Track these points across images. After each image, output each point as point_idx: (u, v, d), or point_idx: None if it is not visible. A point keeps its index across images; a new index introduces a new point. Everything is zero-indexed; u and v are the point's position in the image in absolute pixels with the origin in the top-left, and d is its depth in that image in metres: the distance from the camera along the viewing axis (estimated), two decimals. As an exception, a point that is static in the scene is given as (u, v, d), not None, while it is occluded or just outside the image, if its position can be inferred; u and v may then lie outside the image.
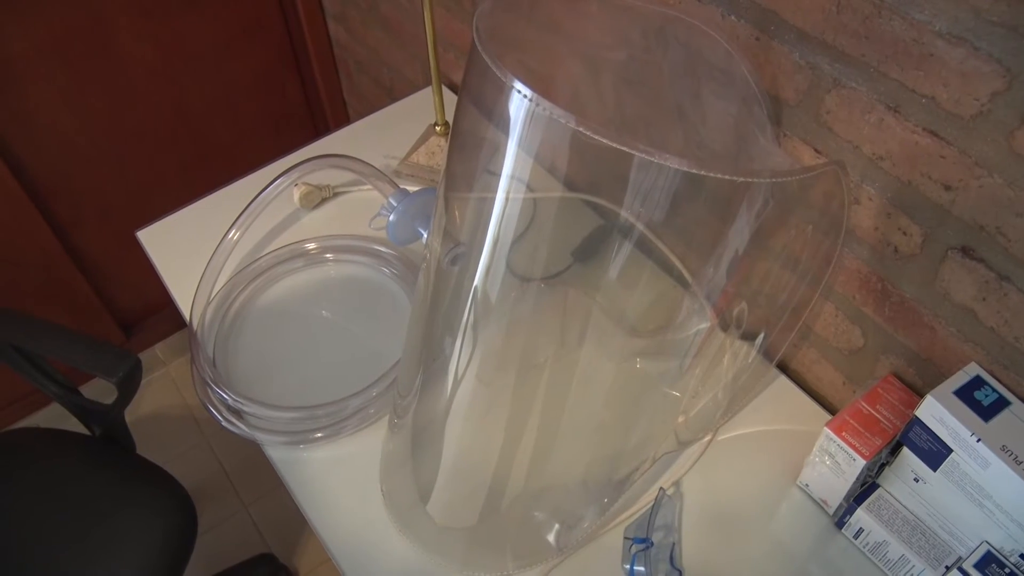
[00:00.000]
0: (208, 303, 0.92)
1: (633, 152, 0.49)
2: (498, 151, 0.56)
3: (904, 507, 0.73)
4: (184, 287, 0.97)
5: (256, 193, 0.89)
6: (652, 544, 0.72)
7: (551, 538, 0.75)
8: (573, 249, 0.89)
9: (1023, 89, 0.54)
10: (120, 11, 1.31)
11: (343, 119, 1.66)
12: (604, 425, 0.77)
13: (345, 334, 0.92)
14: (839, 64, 0.65)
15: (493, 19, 0.58)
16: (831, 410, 0.85)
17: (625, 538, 0.75)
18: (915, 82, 0.60)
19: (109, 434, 1.18)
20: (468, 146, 0.62)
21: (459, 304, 0.70)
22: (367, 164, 0.87)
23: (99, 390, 1.69)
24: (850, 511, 0.75)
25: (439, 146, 1.06)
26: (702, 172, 0.50)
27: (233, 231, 0.89)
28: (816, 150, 0.71)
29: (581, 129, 0.48)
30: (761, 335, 0.81)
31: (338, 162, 0.86)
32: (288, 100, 1.59)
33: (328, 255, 0.97)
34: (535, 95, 0.50)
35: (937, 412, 0.65)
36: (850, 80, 0.65)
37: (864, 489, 0.75)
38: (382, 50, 1.37)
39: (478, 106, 0.58)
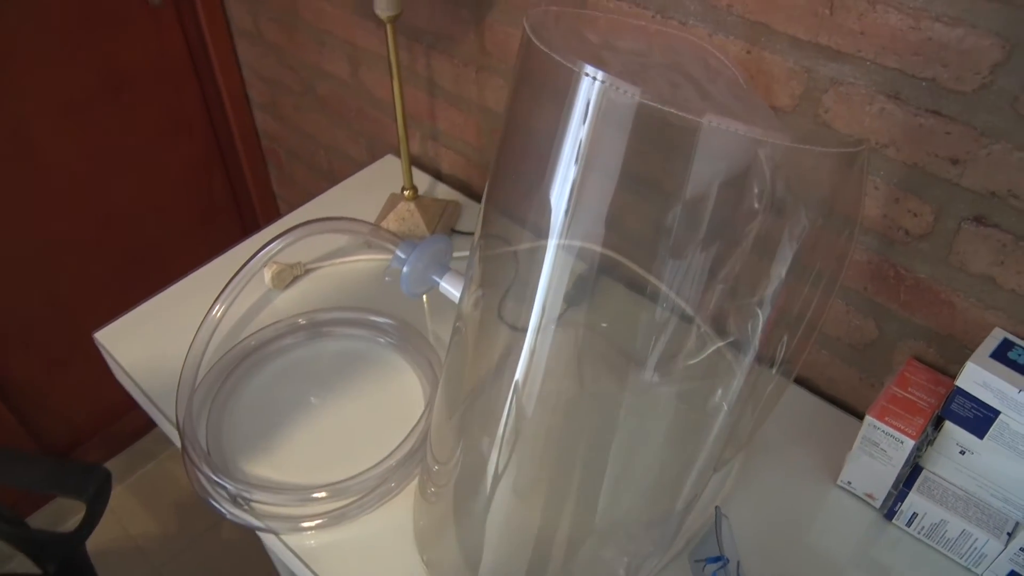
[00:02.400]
0: (193, 391, 0.86)
1: (699, 120, 0.50)
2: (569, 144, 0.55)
3: (952, 484, 0.75)
4: (159, 382, 0.90)
5: (227, 280, 0.84)
6: (728, 560, 0.70)
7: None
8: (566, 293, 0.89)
9: (1023, 56, 0.59)
10: (39, 112, 1.25)
11: (273, 213, 1.62)
12: (662, 461, 0.75)
13: (348, 408, 0.87)
14: (835, 63, 0.69)
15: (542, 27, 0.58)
16: (850, 411, 0.87)
17: (695, 561, 0.73)
18: (914, 67, 0.65)
19: (66, 570, 1.06)
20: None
21: (506, 363, 0.68)
22: (365, 222, 0.85)
23: (45, 519, 1.54)
24: (901, 497, 0.75)
25: (408, 211, 1.05)
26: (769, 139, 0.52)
27: (217, 307, 0.84)
28: (814, 151, 0.75)
29: (669, 108, 0.49)
30: (781, 351, 0.82)
31: (335, 225, 0.83)
32: (215, 197, 1.54)
33: (323, 328, 0.93)
34: (607, 75, 0.50)
35: (979, 377, 0.68)
36: (847, 76, 0.69)
37: (910, 474, 0.76)
38: (320, 133, 1.36)
39: (535, 114, 0.58)
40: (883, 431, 0.73)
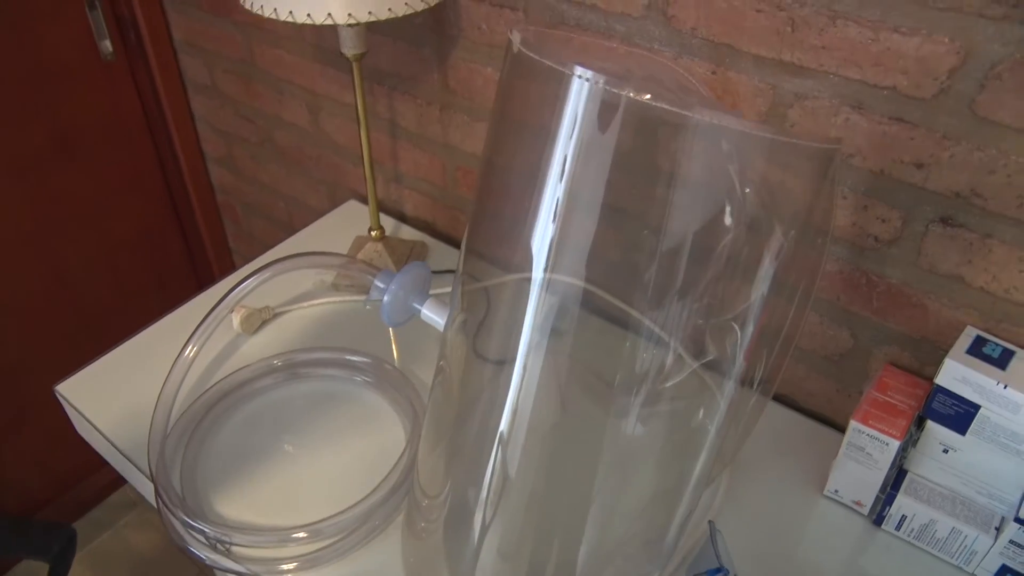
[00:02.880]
0: (165, 436, 0.82)
1: (686, 114, 0.52)
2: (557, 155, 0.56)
3: (938, 485, 0.76)
4: (126, 432, 0.87)
5: (190, 330, 0.82)
6: (728, 571, 0.69)
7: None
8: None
9: (976, 60, 0.63)
10: (-13, 172, 1.22)
11: (229, 269, 1.60)
12: (654, 483, 0.75)
13: (327, 448, 0.85)
14: (799, 78, 0.72)
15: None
16: (829, 423, 0.88)
17: (694, 575, 0.72)
18: (876, 77, 0.68)
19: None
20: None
21: (492, 395, 0.68)
22: (339, 254, 0.84)
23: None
24: (888, 501, 0.76)
25: (376, 251, 1.05)
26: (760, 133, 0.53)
27: (190, 347, 0.82)
28: (781, 166, 0.77)
29: (664, 104, 0.50)
30: (760, 368, 0.83)
31: (310, 260, 0.82)
32: (170, 254, 1.51)
33: (299, 369, 0.91)
34: (597, 75, 0.51)
35: (958, 373, 0.70)
36: (811, 91, 0.72)
37: (895, 478, 0.77)
38: (278, 183, 1.35)
39: (524, 129, 0.59)
40: (868, 434, 0.74)
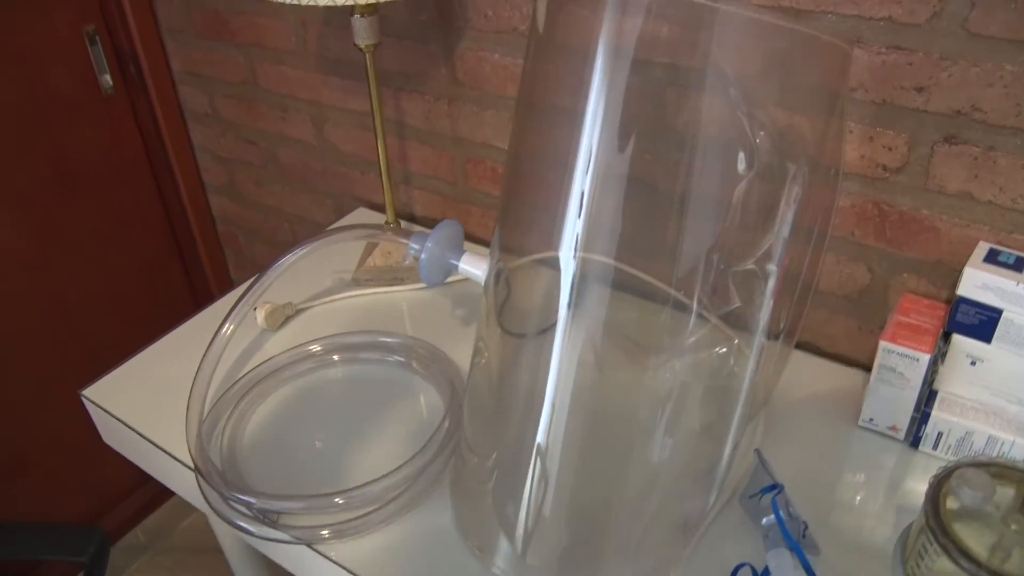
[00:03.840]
0: (202, 421, 0.82)
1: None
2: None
3: (968, 399, 0.78)
4: (160, 426, 0.86)
5: (211, 334, 0.83)
6: (783, 486, 0.71)
7: (680, 540, 0.71)
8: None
9: (966, -20, 0.68)
10: (-8, 205, 1.23)
11: (230, 300, 1.60)
12: (701, 423, 0.77)
13: (366, 424, 0.86)
14: (798, 21, 0.77)
15: None
16: (854, 364, 0.90)
17: (748, 498, 0.73)
18: (871, 10, 0.73)
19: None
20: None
21: (536, 360, 0.71)
22: (372, 225, 0.86)
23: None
24: (924, 420, 0.78)
25: (396, 245, 1.07)
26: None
27: (227, 325, 0.82)
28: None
29: None
30: (785, 315, 0.86)
31: (352, 234, 0.83)
32: (172, 285, 1.52)
33: (335, 354, 0.93)
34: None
35: (978, 280, 0.73)
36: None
37: (927, 399, 0.79)
38: (283, 204, 1.37)
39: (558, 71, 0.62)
40: (898, 353, 0.77)
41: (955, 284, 0.80)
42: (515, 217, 0.76)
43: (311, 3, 0.79)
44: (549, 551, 0.72)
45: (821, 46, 0.64)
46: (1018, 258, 0.74)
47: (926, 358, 0.76)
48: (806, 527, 0.68)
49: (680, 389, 0.77)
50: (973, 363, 0.77)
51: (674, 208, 0.69)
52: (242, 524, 0.75)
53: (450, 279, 0.95)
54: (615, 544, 0.72)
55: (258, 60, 1.22)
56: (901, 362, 0.77)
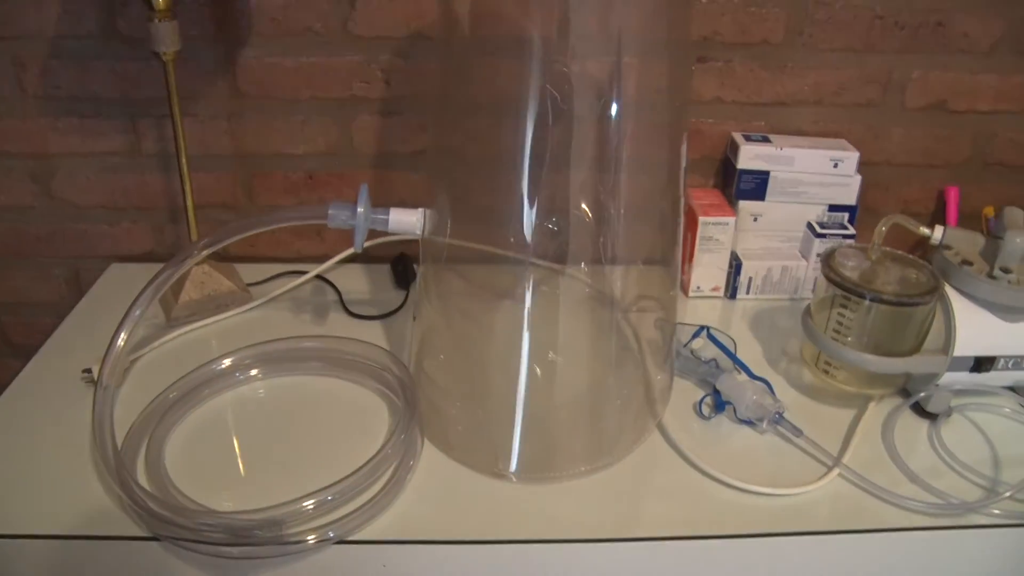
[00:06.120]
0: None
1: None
2: None
3: (757, 248, 1.04)
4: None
5: None
6: (707, 326, 0.87)
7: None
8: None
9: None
10: None
11: None
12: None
13: (303, 433, 0.81)
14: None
15: None
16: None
17: (682, 349, 0.88)
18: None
19: None
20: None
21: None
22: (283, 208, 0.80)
23: None
24: (737, 271, 1.02)
25: (204, 272, 0.99)
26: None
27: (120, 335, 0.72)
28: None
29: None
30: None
31: (253, 222, 0.77)
32: None
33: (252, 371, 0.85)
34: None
35: (751, 152, 1.00)
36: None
37: (732, 256, 1.03)
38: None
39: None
40: (712, 222, 1.00)
41: (718, 172, 1.07)
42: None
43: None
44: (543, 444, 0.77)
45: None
46: (763, 136, 1.03)
47: (732, 221, 1.00)
48: (781, 413, 0.78)
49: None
50: (755, 219, 1.03)
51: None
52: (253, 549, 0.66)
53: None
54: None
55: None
56: (716, 230, 1.00)
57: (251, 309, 1.00)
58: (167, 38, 0.86)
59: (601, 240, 0.80)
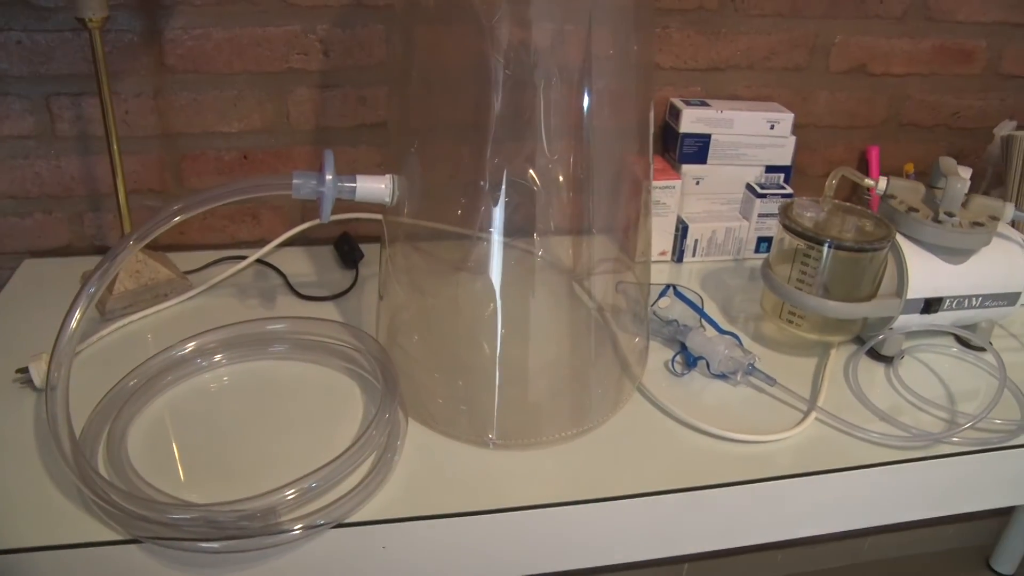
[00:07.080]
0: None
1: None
2: None
3: (700, 212, 1.07)
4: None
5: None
6: (672, 284, 0.89)
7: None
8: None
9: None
10: None
11: None
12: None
13: (271, 419, 0.77)
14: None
15: None
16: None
17: (663, 328, 0.88)
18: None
19: None
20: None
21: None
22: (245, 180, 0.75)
23: None
24: (684, 234, 1.04)
25: (139, 260, 0.92)
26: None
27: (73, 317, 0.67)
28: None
29: None
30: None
31: (219, 193, 0.71)
32: None
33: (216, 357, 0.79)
34: None
35: (693, 116, 1.02)
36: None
37: (678, 221, 1.05)
38: None
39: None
40: (660, 187, 1.01)
41: (657, 138, 1.09)
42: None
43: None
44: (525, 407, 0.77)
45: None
46: (700, 101, 1.05)
47: (678, 184, 1.02)
48: (753, 364, 0.80)
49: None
50: (697, 182, 1.06)
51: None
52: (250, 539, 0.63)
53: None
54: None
55: None
56: (664, 194, 1.02)
57: (192, 298, 0.94)
58: (94, 1, 0.79)
59: (571, 208, 0.80)
